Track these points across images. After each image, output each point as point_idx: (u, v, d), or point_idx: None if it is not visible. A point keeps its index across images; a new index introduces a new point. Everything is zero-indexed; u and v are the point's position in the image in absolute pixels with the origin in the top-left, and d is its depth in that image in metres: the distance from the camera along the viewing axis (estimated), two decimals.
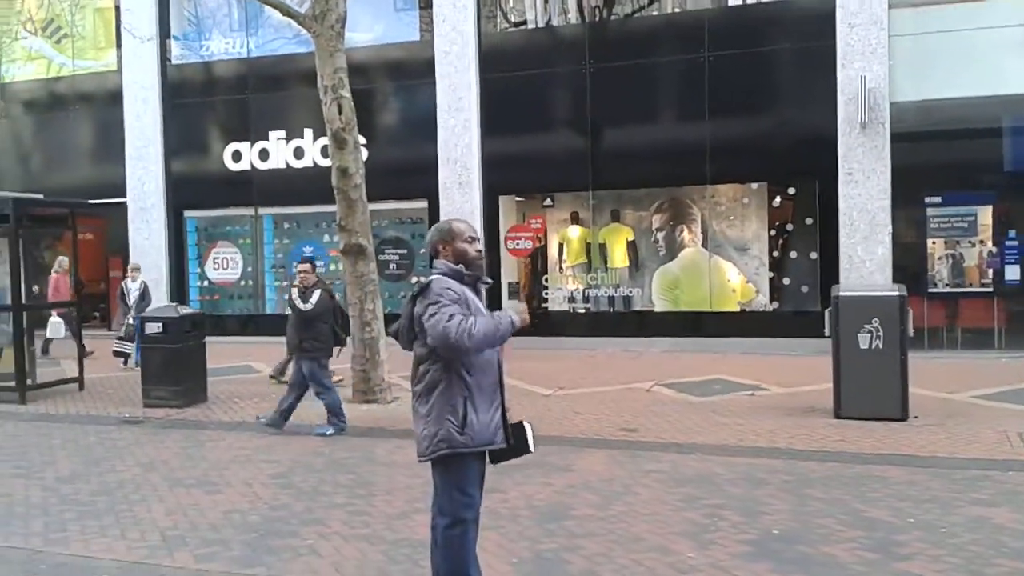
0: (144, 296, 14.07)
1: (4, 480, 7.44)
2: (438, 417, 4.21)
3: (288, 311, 9.61)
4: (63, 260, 14.91)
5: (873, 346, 8.77)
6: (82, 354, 12.34)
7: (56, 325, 13.74)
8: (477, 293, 4.38)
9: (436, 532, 4.32)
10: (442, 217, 15.35)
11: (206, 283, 17.58)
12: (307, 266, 9.40)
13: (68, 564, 5.43)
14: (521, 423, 4.41)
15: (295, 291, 9.30)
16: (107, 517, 6.35)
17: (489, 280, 4.54)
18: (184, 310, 11.25)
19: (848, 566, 5.09)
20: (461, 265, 4.37)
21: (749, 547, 5.44)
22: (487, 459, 4.37)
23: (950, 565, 5.07)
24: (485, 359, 4.26)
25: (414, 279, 16.23)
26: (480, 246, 4.47)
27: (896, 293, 8.99)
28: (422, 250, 16.04)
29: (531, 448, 4.40)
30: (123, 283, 14.53)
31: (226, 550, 5.61)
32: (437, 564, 4.34)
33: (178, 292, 17.44)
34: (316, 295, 9.12)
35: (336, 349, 9.69)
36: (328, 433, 8.96)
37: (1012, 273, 13.26)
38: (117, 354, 13.75)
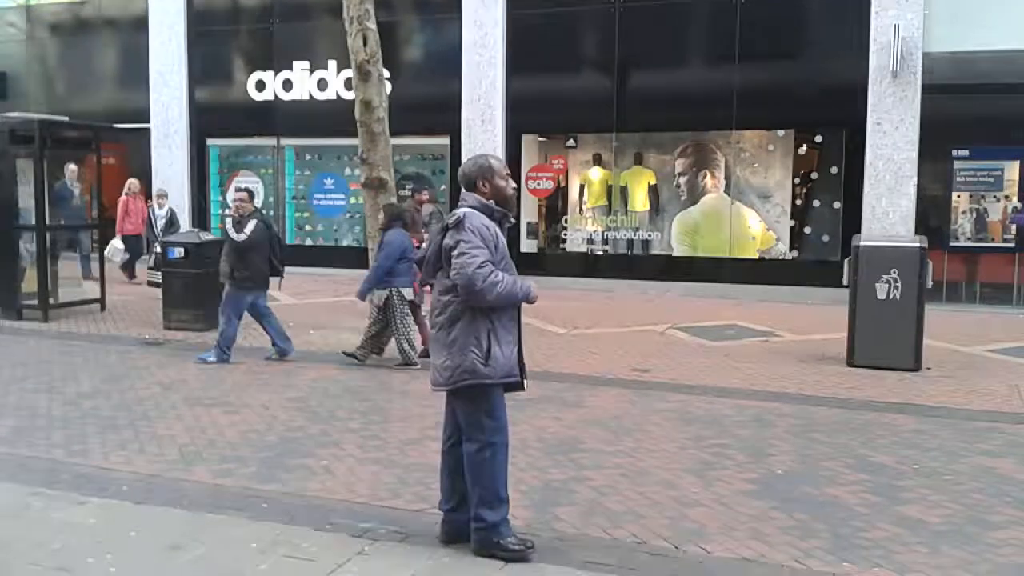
0: (172, 223, 14.12)
1: (27, 394, 7.63)
2: (462, 349, 4.27)
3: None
4: (134, 183, 15.10)
5: (891, 296, 8.78)
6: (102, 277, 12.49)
7: (116, 249, 13.96)
8: (502, 230, 4.42)
9: (463, 457, 4.41)
10: (464, 154, 15.36)
11: (227, 211, 17.66)
12: (243, 194, 9.39)
13: (88, 475, 5.59)
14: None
15: (229, 220, 9.35)
16: (127, 432, 6.51)
17: (513, 219, 4.57)
18: (205, 236, 11.34)
19: (850, 507, 5.17)
20: (492, 201, 4.40)
21: (753, 485, 5.53)
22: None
23: (951, 511, 5.14)
24: None
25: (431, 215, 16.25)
26: (515, 183, 4.50)
27: (916, 244, 8.96)
28: (443, 186, 16.06)
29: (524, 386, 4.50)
30: (150, 210, 14.64)
31: (243, 467, 5.75)
32: (464, 487, 4.43)
33: (199, 219, 17.54)
34: (251, 225, 9.07)
35: (278, 280, 9.75)
36: (210, 360, 8.98)
37: None
38: (152, 284, 13.41)
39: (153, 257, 13.60)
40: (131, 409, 7.15)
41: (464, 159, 15.31)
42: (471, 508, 4.41)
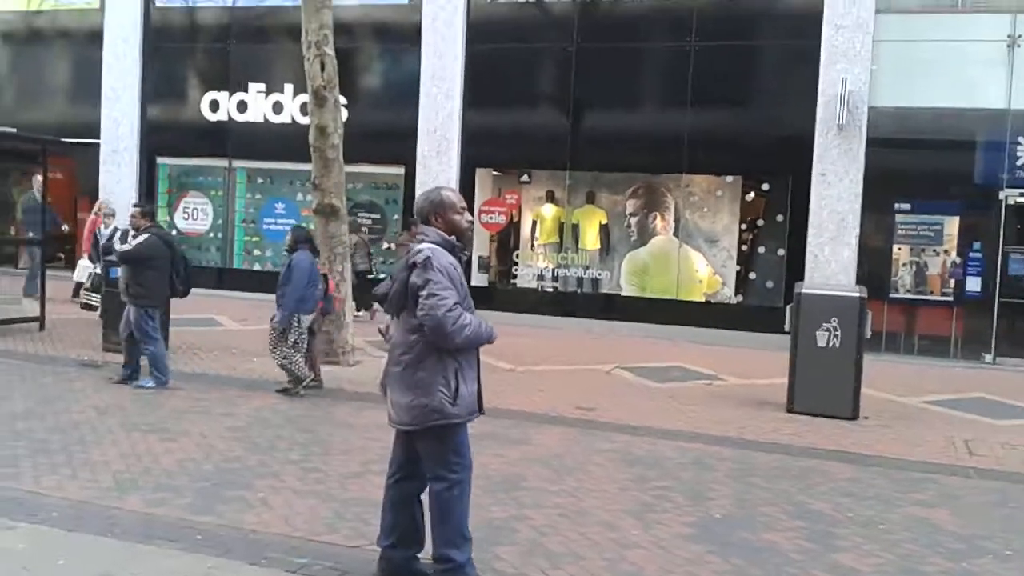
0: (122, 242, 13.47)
1: None
2: (429, 388, 4.23)
3: None
4: (105, 203, 14.65)
5: (831, 344, 8.93)
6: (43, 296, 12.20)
7: (84, 268, 13.59)
8: (461, 264, 4.40)
9: (411, 494, 4.44)
10: (419, 185, 15.36)
11: (175, 232, 17.41)
12: (136, 209, 9.39)
13: (18, 499, 5.44)
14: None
15: (119, 234, 9.36)
16: (59, 456, 6.36)
17: (467, 253, 4.58)
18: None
19: (785, 553, 5.23)
20: (453, 236, 4.37)
21: (692, 529, 5.57)
22: None
23: (884, 560, 5.22)
24: None
25: (385, 245, 16.23)
26: (470, 216, 4.49)
27: (856, 294, 9.15)
28: (395, 216, 16.04)
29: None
30: (97, 229, 14.17)
31: (178, 497, 5.64)
32: (405, 523, 4.43)
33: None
34: (141, 238, 8.98)
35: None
36: (148, 386, 8.83)
37: (973, 284, 13.48)
38: (86, 307, 12.85)
39: (91, 278, 12.87)
40: (65, 432, 6.98)
41: (418, 190, 15.48)
42: (435, 548, 4.36)
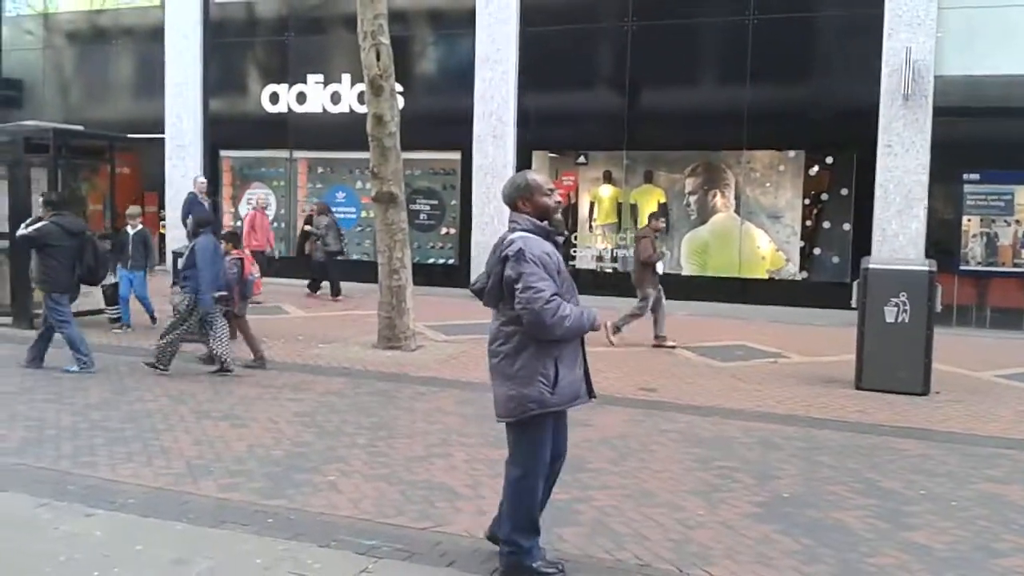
0: (142, 246, 11.50)
1: (36, 404, 7.66)
2: (529, 378, 4.19)
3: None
4: (261, 196, 14.95)
5: (899, 320, 8.76)
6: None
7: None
8: (557, 248, 4.32)
9: (506, 480, 4.41)
10: (475, 170, 15.43)
11: (239, 223, 17.74)
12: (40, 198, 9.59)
13: (96, 487, 5.61)
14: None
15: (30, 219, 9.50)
16: (135, 444, 6.54)
17: (564, 233, 4.50)
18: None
19: (856, 532, 5.16)
20: (546, 221, 4.29)
21: (759, 508, 5.52)
22: None
23: (956, 538, 5.12)
24: None
25: (444, 230, 16.33)
26: (558, 197, 4.38)
27: (926, 268, 8.95)
28: (453, 201, 16.12)
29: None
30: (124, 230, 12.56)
31: (249, 481, 5.77)
32: (506, 511, 4.42)
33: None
34: (38, 225, 9.04)
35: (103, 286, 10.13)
36: (73, 370, 8.87)
37: None
38: (112, 320, 11.82)
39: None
40: (139, 421, 7.18)
41: (475, 174, 15.56)
42: (504, 531, 4.39)
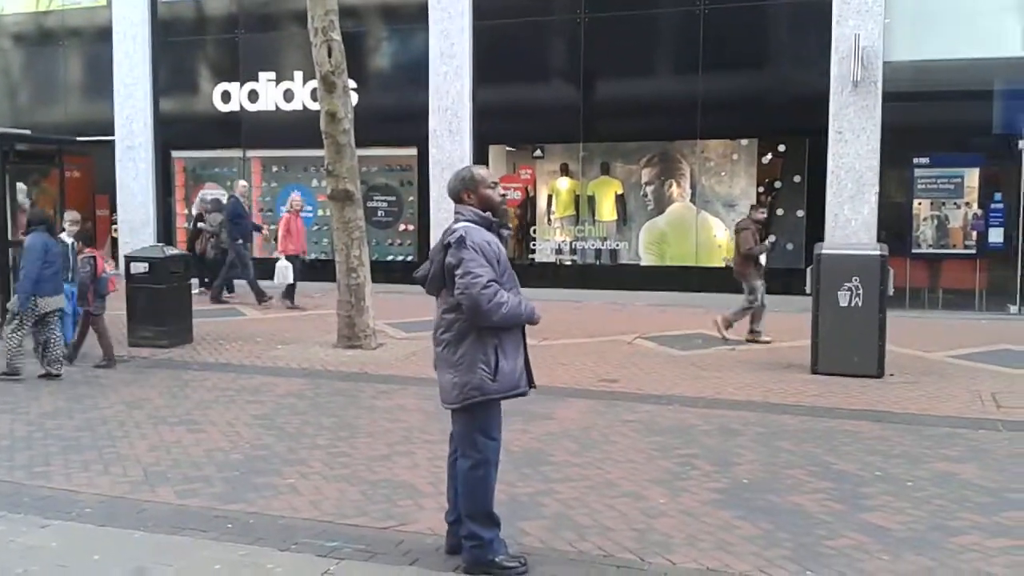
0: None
1: None
2: (470, 365, 4.27)
3: None
4: (296, 199, 14.46)
5: (852, 303, 8.89)
6: None
7: (284, 269, 13.44)
8: (502, 240, 4.41)
9: (458, 472, 4.44)
10: (431, 165, 15.38)
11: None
12: None
13: (51, 497, 5.52)
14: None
15: None
16: (90, 452, 6.44)
17: (510, 227, 4.55)
18: (170, 251, 11.24)
19: (814, 515, 5.23)
20: (489, 212, 4.38)
21: (719, 495, 5.57)
22: None
23: (913, 517, 5.21)
24: None
25: (402, 227, 16.26)
26: (502, 190, 4.46)
27: (877, 252, 9.08)
28: (410, 198, 16.06)
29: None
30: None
31: (207, 487, 5.71)
32: (460, 504, 4.45)
33: (164, 233, 17.34)
34: None
35: None
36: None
37: (995, 236, 13.35)
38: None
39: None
40: (94, 429, 7.07)
41: (432, 170, 15.50)
42: (464, 525, 4.42)
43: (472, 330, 4.26)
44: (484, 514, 4.39)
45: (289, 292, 13.82)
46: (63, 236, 9.59)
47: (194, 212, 16.40)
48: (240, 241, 14.31)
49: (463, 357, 4.28)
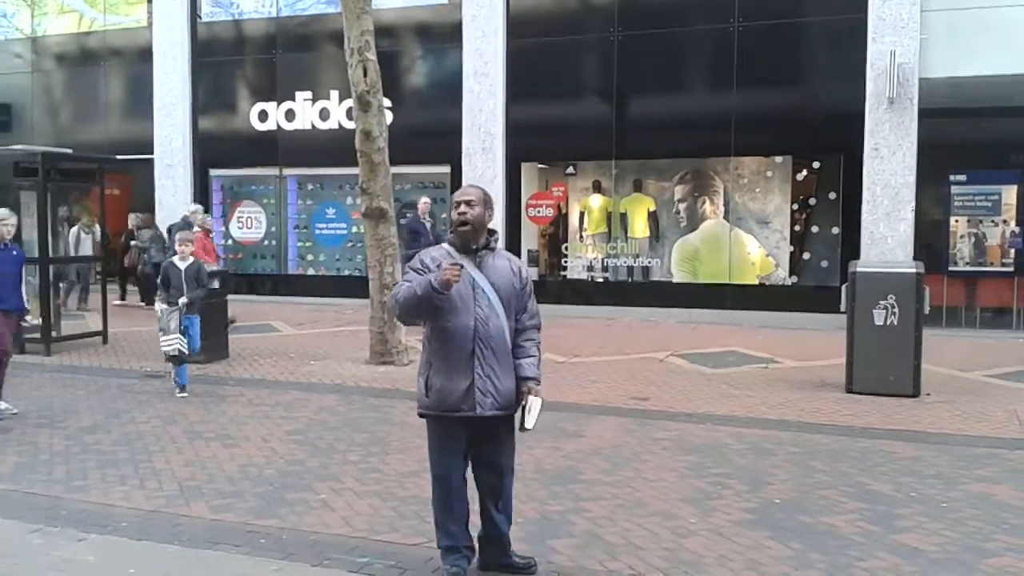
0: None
1: (28, 429, 7.65)
2: (418, 377, 4.51)
3: None
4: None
5: (888, 322, 8.81)
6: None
7: None
8: (479, 260, 4.39)
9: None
10: (464, 182, 15.45)
11: (230, 241, 17.75)
12: None
13: (88, 511, 5.61)
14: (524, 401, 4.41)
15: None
16: (127, 467, 6.54)
17: (453, 240, 4.45)
18: (207, 267, 11.37)
19: (846, 536, 5.18)
20: (452, 233, 4.48)
21: (750, 515, 5.54)
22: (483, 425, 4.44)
23: (947, 539, 5.15)
24: (452, 330, 4.32)
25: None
26: (464, 208, 4.38)
27: (913, 270, 9.00)
28: (443, 215, 16.14)
29: (525, 426, 4.39)
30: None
31: (241, 502, 5.77)
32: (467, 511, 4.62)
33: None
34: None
35: None
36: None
37: None
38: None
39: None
40: (131, 443, 7.17)
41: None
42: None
43: (425, 346, 4.50)
44: (438, 522, 4.54)
45: None
46: (176, 260, 9.25)
47: (130, 226, 16.83)
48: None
49: (418, 368, 4.57)
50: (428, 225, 13.70)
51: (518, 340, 4.47)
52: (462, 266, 4.26)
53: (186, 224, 13.76)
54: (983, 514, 5.56)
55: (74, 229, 14.36)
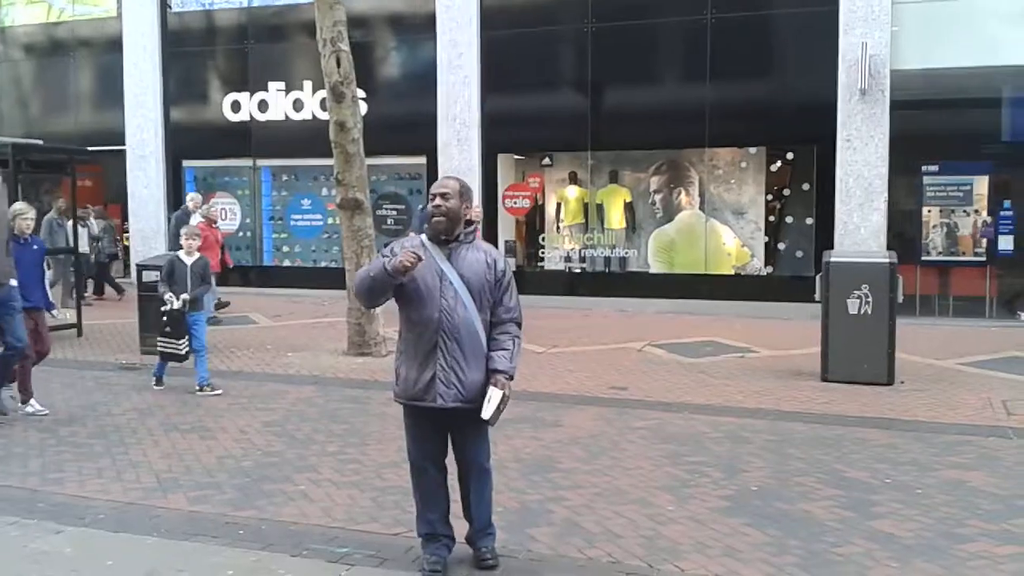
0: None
1: (2, 423, 7.57)
2: (394, 365, 4.57)
3: None
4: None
5: (862, 311, 8.89)
6: (79, 302, 12.43)
7: None
8: (450, 252, 4.40)
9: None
10: (440, 174, 15.41)
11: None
12: None
13: (64, 504, 5.57)
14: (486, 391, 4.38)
15: None
16: (103, 459, 6.49)
17: (428, 232, 4.46)
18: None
19: (823, 523, 5.24)
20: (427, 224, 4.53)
21: (727, 502, 5.59)
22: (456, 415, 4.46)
23: (922, 525, 5.21)
24: (417, 320, 4.37)
25: (411, 234, 16.30)
26: (439, 201, 4.40)
27: (886, 260, 9.09)
28: (419, 206, 16.09)
29: (483, 416, 4.34)
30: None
31: (219, 493, 5.75)
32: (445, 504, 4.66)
33: (176, 241, 17.45)
34: None
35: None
36: None
37: (1005, 243, 13.33)
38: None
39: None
40: (107, 436, 7.12)
41: (440, 178, 15.53)
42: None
43: (399, 333, 4.54)
44: (418, 512, 4.58)
45: None
46: (181, 255, 8.89)
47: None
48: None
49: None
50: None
51: (493, 333, 4.45)
52: (420, 257, 4.27)
53: (185, 214, 13.66)
54: (957, 500, 5.64)
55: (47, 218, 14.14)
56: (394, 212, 16.37)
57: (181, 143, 17.49)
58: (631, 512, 5.40)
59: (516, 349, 4.48)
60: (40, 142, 13.03)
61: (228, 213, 17.40)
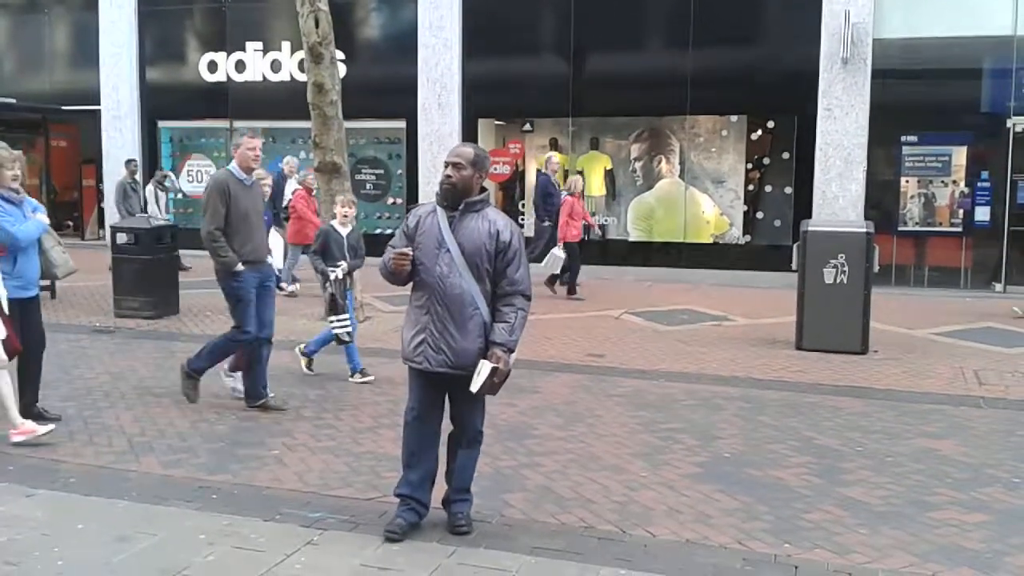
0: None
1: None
2: None
3: None
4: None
5: (838, 280, 8.94)
6: None
7: (556, 259, 12.13)
8: (453, 220, 4.41)
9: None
10: (420, 138, 15.32)
11: (180, 195, 17.43)
12: None
13: (36, 467, 5.53)
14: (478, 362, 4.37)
15: None
16: (75, 423, 6.44)
17: (442, 203, 4.45)
18: (156, 221, 11.20)
19: (793, 489, 5.29)
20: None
21: (700, 468, 5.63)
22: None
23: (892, 492, 5.27)
24: (419, 284, 4.50)
25: (390, 200, 16.23)
26: (450, 171, 4.43)
27: (863, 230, 9.12)
28: (399, 171, 16.00)
29: (472, 388, 4.35)
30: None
31: (193, 457, 5.73)
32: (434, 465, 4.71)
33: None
34: None
35: None
36: None
37: (982, 214, 13.42)
38: None
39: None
40: (80, 399, 7.07)
41: (421, 143, 15.44)
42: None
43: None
44: (403, 471, 4.65)
45: (552, 280, 12.56)
46: (335, 224, 7.97)
47: None
48: (547, 223, 12.79)
49: None
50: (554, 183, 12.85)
51: (498, 305, 4.44)
52: (408, 254, 4.41)
53: (282, 178, 12.86)
54: (927, 468, 5.70)
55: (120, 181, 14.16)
56: (373, 176, 16.26)
57: (157, 103, 17.27)
58: (605, 478, 5.43)
59: (517, 322, 4.43)
60: (13, 100, 12.82)
61: (204, 175, 17.23)
